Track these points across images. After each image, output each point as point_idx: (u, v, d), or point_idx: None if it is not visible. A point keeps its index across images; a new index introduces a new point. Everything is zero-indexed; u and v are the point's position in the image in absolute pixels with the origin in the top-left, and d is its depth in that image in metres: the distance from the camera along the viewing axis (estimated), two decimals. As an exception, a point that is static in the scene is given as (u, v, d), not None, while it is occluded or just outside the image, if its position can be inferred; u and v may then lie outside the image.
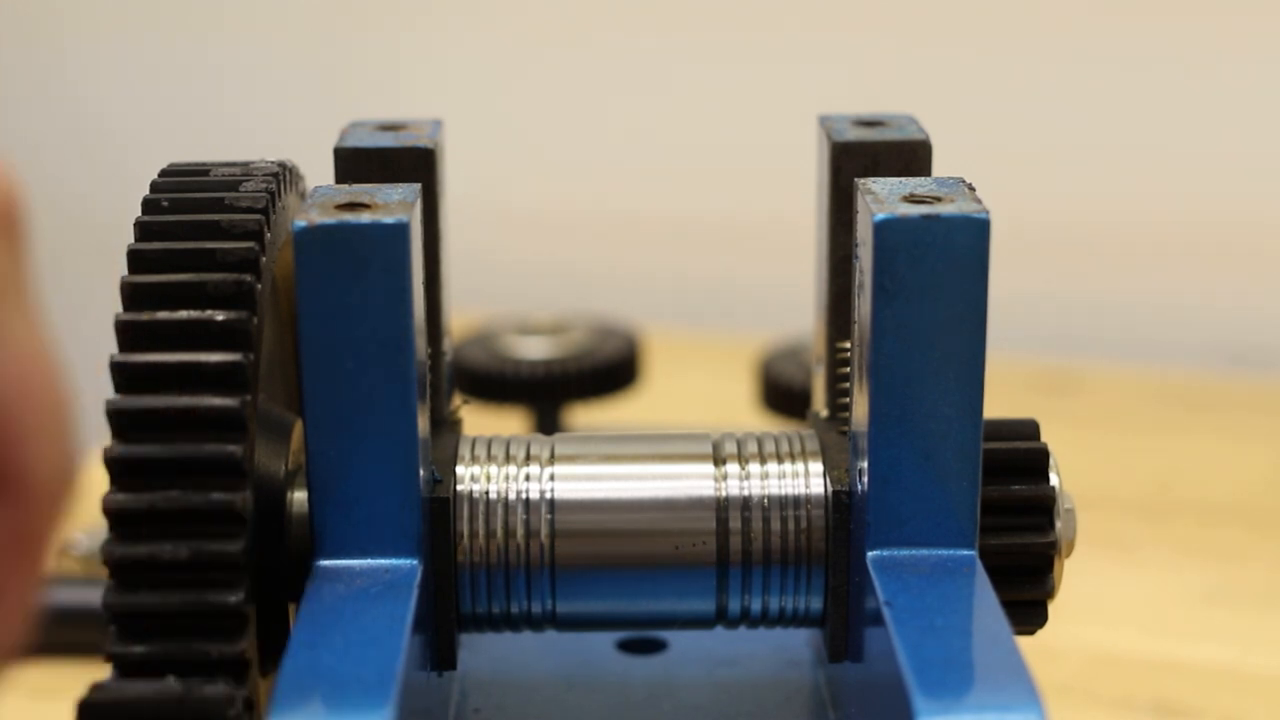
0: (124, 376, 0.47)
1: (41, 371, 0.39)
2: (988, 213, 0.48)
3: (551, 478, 0.53)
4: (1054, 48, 1.20)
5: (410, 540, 0.50)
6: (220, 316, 0.47)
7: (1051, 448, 0.53)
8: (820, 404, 0.58)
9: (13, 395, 0.38)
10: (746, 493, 0.53)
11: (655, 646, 0.60)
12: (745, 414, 0.92)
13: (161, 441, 0.46)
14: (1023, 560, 0.52)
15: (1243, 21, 1.16)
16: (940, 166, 0.55)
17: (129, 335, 0.47)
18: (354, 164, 0.55)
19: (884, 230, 0.48)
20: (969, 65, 1.20)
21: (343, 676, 0.44)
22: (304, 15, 1.32)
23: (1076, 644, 0.80)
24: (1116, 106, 1.19)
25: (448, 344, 0.59)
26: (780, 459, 0.54)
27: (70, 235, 1.45)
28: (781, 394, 0.84)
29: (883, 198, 0.49)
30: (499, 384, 0.85)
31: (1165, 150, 1.19)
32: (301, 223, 0.47)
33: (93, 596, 0.69)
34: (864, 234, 0.49)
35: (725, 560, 0.53)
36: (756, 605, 0.54)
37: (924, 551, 0.50)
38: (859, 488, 0.51)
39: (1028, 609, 0.53)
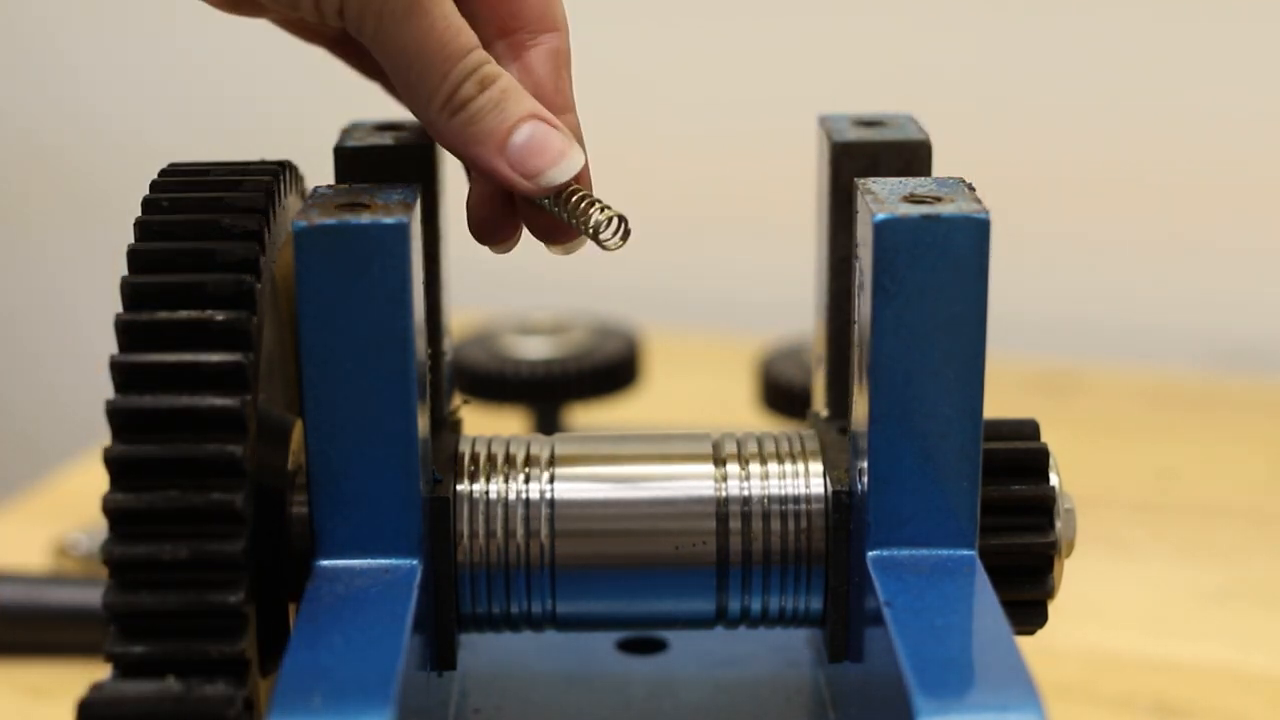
0: (124, 376, 0.47)
1: None
2: (988, 213, 0.48)
3: (551, 478, 0.53)
4: (1056, 51, 1.20)
5: (410, 540, 0.50)
6: (220, 316, 0.47)
7: (1051, 448, 0.53)
8: (820, 404, 0.59)
9: None
10: (746, 493, 0.53)
11: (655, 646, 0.60)
12: (745, 414, 0.92)
13: (161, 441, 0.46)
14: (1023, 560, 0.52)
15: (1244, 27, 1.16)
16: (941, 167, 0.55)
17: (129, 335, 0.47)
18: (354, 164, 0.55)
19: (884, 230, 0.48)
20: (972, 67, 1.20)
21: (343, 676, 0.44)
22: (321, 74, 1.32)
23: (1076, 644, 0.81)
24: (1116, 108, 1.19)
25: (448, 344, 0.59)
26: (780, 459, 0.54)
27: (73, 240, 1.45)
28: (781, 394, 0.84)
29: (883, 198, 0.49)
30: (499, 384, 0.85)
31: (1167, 151, 1.19)
32: (301, 223, 0.47)
33: (93, 596, 0.69)
34: (864, 234, 0.49)
35: (725, 560, 0.53)
36: (756, 605, 0.54)
37: (924, 551, 0.50)
38: (859, 488, 0.51)
39: (1028, 609, 0.53)
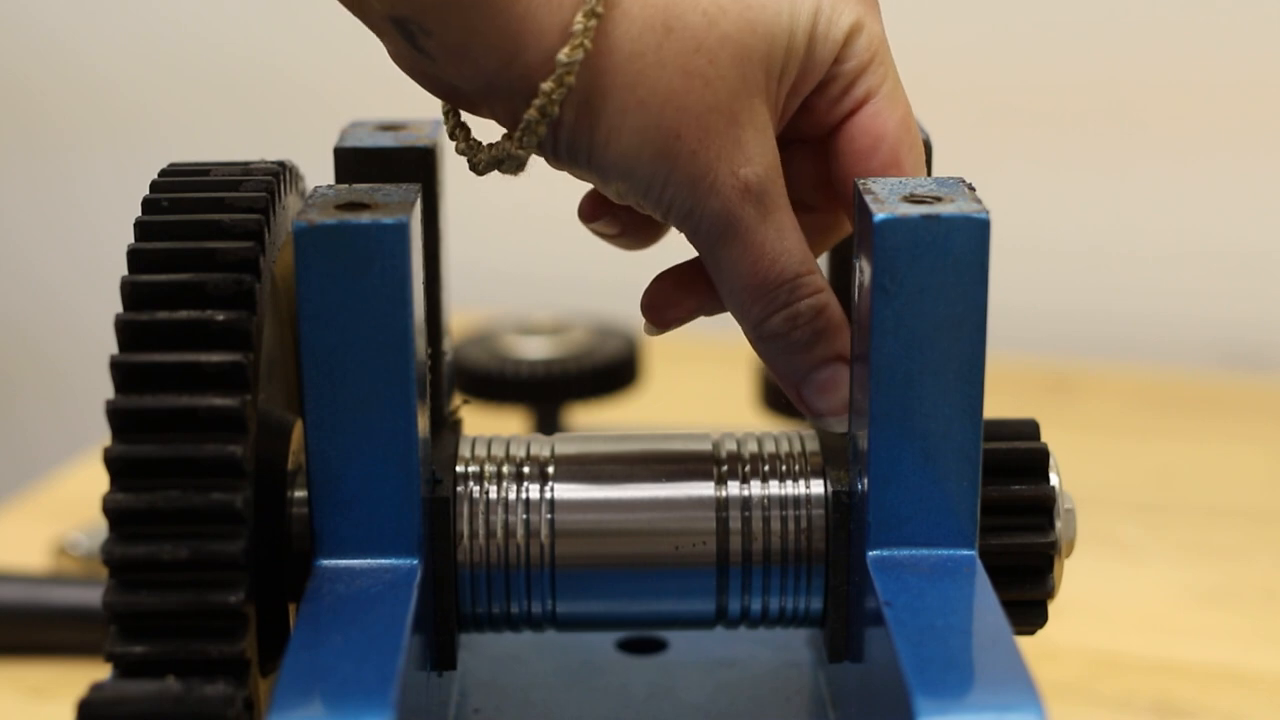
0: (124, 376, 0.47)
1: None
2: (988, 213, 0.48)
3: (551, 478, 0.53)
4: (1053, 46, 1.20)
5: (410, 540, 0.50)
6: (220, 316, 0.47)
7: (1052, 448, 0.53)
8: (820, 404, 0.58)
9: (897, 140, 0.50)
10: (746, 493, 0.53)
11: (655, 646, 0.60)
12: (745, 414, 0.92)
13: (161, 441, 0.46)
14: (1023, 560, 0.52)
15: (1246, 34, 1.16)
16: (942, 167, 0.55)
17: (129, 335, 0.47)
18: (354, 164, 0.55)
19: (884, 230, 0.48)
20: (970, 65, 1.20)
21: (343, 676, 0.44)
22: (305, 13, 1.32)
23: (1076, 644, 0.80)
24: (1117, 108, 1.20)
25: (448, 344, 0.59)
26: (780, 459, 0.54)
27: (73, 240, 1.45)
28: (782, 394, 0.84)
29: (883, 198, 0.49)
30: (499, 384, 0.85)
31: (1167, 151, 1.19)
32: (301, 223, 0.47)
33: (93, 596, 0.70)
34: (864, 234, 0.49)
35: (725, 560, 0.53)
36: (756, 605, 0.54)
37: (924, 551, 0.50)
38: (859, 488, 0.51)
39: (1028, 609, 0.53)
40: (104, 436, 0.47)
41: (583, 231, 0.55)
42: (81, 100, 1.42)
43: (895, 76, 0.50)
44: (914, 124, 0.50)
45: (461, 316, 0.75)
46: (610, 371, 0.86)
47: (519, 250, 1.30)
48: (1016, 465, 0.52)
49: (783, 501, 0.53)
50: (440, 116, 0.53)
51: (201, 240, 0.48)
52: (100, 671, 0.47)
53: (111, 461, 0.46)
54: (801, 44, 0.48)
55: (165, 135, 1.39)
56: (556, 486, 0.53)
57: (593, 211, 0.53)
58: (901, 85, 0.50)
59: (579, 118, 0.47)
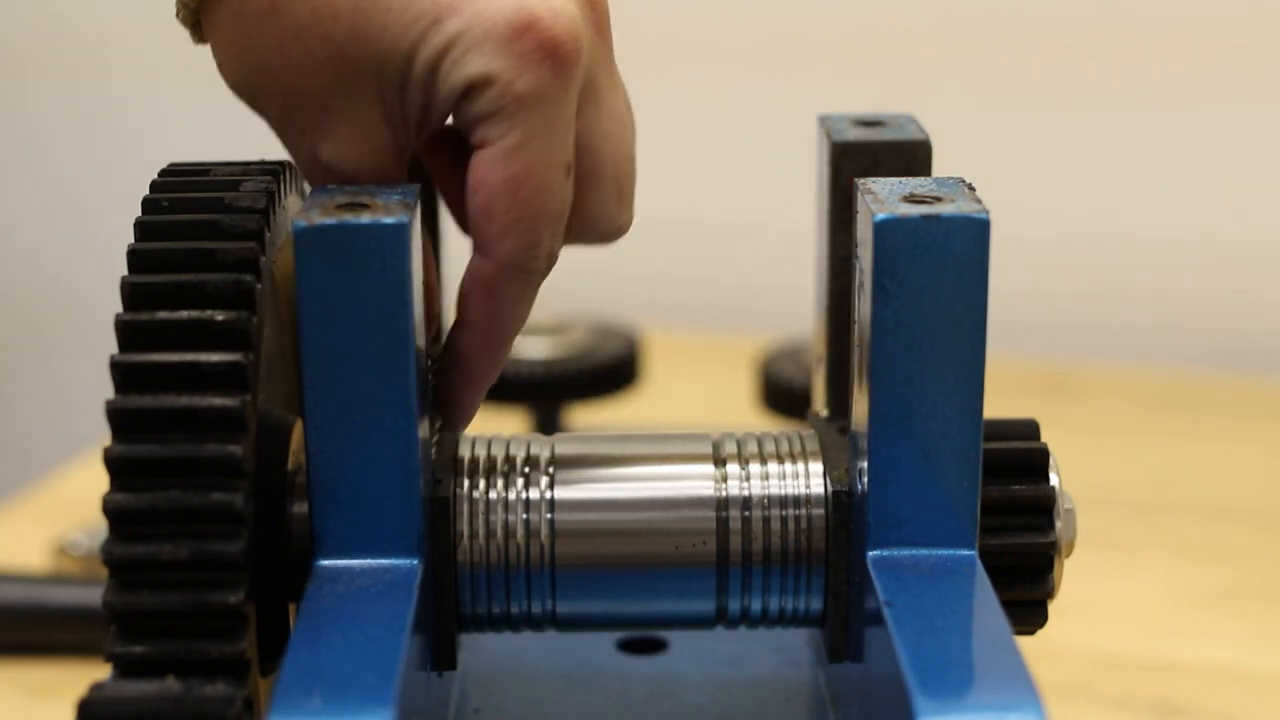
0: (124, 376, 0.47)
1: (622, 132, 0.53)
2: (988, 213, 0.48)
3: (551, 478, 0.53)
4: (1057, 63, 1.20)
5: (410, 540, 0.50)
6: (220, 316, 0.47)
7: (1051, 448, 0.53)
8: (820, 404, 0.58)
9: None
10: (746, 492, 0.53)
11: (655, 646, 0.60)
12: (745, 414, 0.92)
13: (161, 441, 0.46)
14: (1023, 560, 0.52)
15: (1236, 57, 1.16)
16: (943, 168, 0.55)
17: (129, 335, 0.47)
18: (354, 164, 0.54)
19: (884, 230, 0.48)
20: (975, 74, 1.20)
21: (343, 676, 0.44)
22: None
23: (1076, 644, 0.80)
24: (1119, 112, 1.19)
25: (448, 344, 0.59)
26: (780, 459, 0.54)
27: (73, 239, 1.45)
28: (781, 394, 0.84)
29: (883, 198, 0.49)
30: (499, 384, 0.85)
31: (1166, 153, 1.19)
32: (301, 223, 0.47)
33: (93, 596, 0.69)
34: (864, 234, 0.49)
35: (725, 560, 0.53)
36: (756, 605, 0.54)
37: (924, 551, 0.50)
38: (859, 488, 0.51)
39: (1028, 609, 0.53)
40: (104, 436, 0.47)
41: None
42: (80, 93, 1.42)
43: (532, 136, 0.50)
44: (529, 188, 0.50)
45: (461, 316, 0.74)
46: (610, 371, 0.86)
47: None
48: (1016, 465, 0.52)
49: (783, 501, 0.53)
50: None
51: (201, 240, 0.48)
52: (100, 671, 0.47)
53: (111, 461, 0.46)
54: (421, 75, 0.50)
55: (168, 136, 1.39)
56: (556, 486, 0.53)
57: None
58: (545, 150, 0.50)
59: (205, 33, 0.52)
